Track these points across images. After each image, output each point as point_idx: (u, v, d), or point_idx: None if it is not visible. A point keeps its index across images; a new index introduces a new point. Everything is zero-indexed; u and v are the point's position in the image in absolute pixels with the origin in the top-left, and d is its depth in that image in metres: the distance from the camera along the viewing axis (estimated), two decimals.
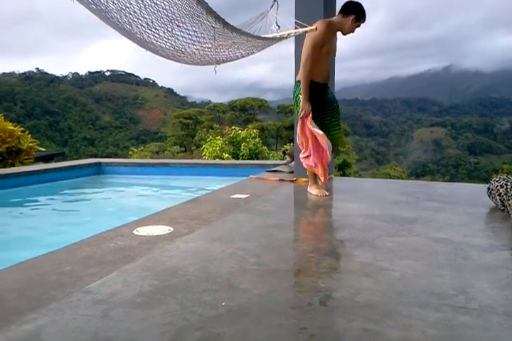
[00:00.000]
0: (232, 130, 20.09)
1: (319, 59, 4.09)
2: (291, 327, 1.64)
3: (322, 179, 4.31)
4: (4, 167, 8.28)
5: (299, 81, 4.15)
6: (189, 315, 1.70)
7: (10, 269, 2.27)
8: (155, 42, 2.87)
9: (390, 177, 22.39)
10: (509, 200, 3.24)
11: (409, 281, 2.08)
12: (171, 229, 3.04)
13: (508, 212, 3.23)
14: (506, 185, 3.49)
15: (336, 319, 1.70)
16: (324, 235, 3.00)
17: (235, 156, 17.52)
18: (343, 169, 25.84)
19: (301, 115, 4.14)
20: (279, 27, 4.27)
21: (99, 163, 8.11)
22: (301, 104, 4.14)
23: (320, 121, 4.24)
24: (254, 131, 19.94)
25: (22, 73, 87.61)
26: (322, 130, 4.14)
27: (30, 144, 9.11)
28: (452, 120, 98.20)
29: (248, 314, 1.74)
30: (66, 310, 1.76)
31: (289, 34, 4.11)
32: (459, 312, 1.73)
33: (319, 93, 4.23)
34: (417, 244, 2.71)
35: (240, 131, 19.57)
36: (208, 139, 18.72)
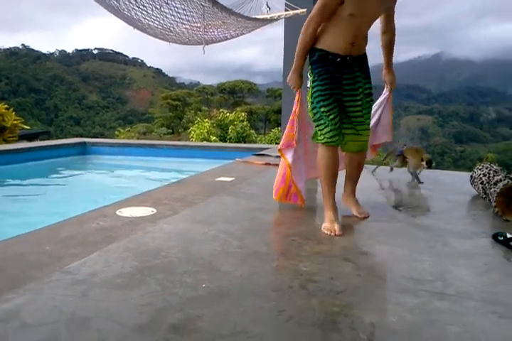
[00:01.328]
0: (220, 113, 20.02)
1: (336, 21, 2.72)
2: (270, 309, 1.65)
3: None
4: None
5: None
6: (169, 296, 1.70)
7: None
8: (143, 19, 2.82)
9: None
10: (491, 188, 3.27)
11: (389, 266, 2.10)
12: (155, 210, 3.03)
13: (490, 200, 3.27)
14: (489, 173, 3.52)
15: (315, 302, 1.71)
16: (306, 219, 3.02)
17: (223, 139, 17.49)
18: None
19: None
20: (269, 8, 4.22)
21: (85, 143, 8.03)
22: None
23: (338, 110, 2.83)
24: (243, 114, 19.90)
25: (7, 49, 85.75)
26: (343, 123, 2.89)
27: (15, 122, 8.97)
28: (439, 108, 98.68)
29: (228, 296, 1.74)
30: (45, 290, 1.75)
31: (279, 16, 4.07)
32: (436, 297, 1.75)
33: (334, 68, 2.78)
34: (398, 229, 2.74)
35: (228, 114, 19.50)
36: (196, 121, 18.65)
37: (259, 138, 20.41)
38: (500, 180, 3.22)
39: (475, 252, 2.35)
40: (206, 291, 1.78)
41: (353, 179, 3.10)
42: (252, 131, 19.14)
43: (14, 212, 4.32)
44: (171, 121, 43.60)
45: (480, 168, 3.73)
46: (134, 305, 1.61)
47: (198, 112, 34.59)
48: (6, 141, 8.59)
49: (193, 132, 17.52)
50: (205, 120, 18.45)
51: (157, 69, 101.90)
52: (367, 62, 2.93)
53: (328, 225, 2.69)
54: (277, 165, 5.21)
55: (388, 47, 3.15)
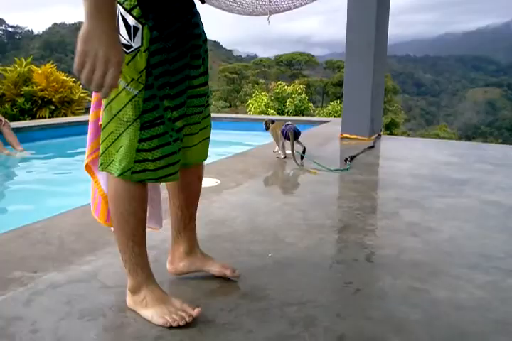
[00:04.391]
0: (278, 85, 19.84)
1: None
2: (336, 280, 1.67)
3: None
4: (57, 116, 8.53)
5: None
6: (237, 264, 1.74)
7: (67, 213, 2.38)
8: None
9: (440, 139, 21.75)
10: None
11: (458, 243, 2.05)
12: (219, 181, 3.09)
13: None
14: None
15: (381, 275, 1.71)
16: (370, 193, 2.98)
17: (280, 112, 17.40)
18: (390, 129, 25.26)
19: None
20: None
21: None
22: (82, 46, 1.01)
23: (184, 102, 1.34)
24: (301, 86, 19.61)
25: (72, 24, 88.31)
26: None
27: (82, 95, 9.29)
28: (509, 80, 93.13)
29: (294, 266, 1.77)
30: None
31: None
32: (508, 275, 1.70)
33: (173, 14, 1.26)
34: (467, 205, 2.65)
35: (286, 87, 19.30)
36: (254, 94, 18.59)
37: (316, 112, 20.17)
38: None
39: None
40: (272, 261, 1.81)
41: (191, 215, 1.62)
42: (310, 104, 18.89)
43: (84, 181, 4.52)
44: (229, 95, 43.82)
45: None
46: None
47: (255, 85, 34.44)
48: (74, 114, 8.94)
49: (251, 105, 17.51)
50: (262, 93, 18.35)
51: (215, 41, 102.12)
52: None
53: (167, 311, 1.35)
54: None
55: None
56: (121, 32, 1.16)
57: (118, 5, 1.14)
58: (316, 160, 3.76)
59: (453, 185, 3.10)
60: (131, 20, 1.17)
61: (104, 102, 1.28)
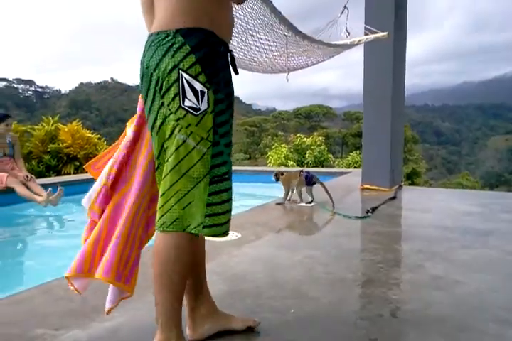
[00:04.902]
0: (297, 137, 20.09)
1: None
2: (361, 337, 1.63)
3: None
4: (82, 173, 8.74)
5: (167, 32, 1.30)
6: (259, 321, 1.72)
7: None
8: None
9: (462, 188, 21.44)
10: None
11: (485, 296, 2.00)
12: (239, 235, 3.10)
13: None
14: None
15: (407, 331, 1.66)
16: (393, 246, 2.94)
17: (300, 164, 17.48)
18: (411, 178, 25.06)
19: None
20: (348, 33, 4.25)
21: None
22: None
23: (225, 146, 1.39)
24: (320, 138, 19.78)
25: (98, 83, 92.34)
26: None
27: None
28: None
29: (317, 322, 1.74)
30: (142, 309, 1.84)
31: (359, 41, 4.08)
32: None
33: (226, 66, 1.42)
34: (492, 257, 2.60)
35: (305, 139, 19.53)
36: (273, 146, 18.80)
37: (336, 162, 20.23)
38: None
39: None
40: (294, 317, 1.78)
41: (205, 274, 1.65)
42: (330, 156, 18.98)
43: None
44: (248, 147, 44.48)
45: None
46: None
47: (275, 137, 34.94)
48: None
49: (270, 157, 17.66)
50: (282, 145, 18.57)
51: (235, 97, 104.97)
52: None
53: None
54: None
55: None
56: (188, 96, 1.29)
57: (181, 72, 1.28)
58: (339, 211, 3.77)
59: (477, 236, 3.04)
60: (198, 86, 1.29)
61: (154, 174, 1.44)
